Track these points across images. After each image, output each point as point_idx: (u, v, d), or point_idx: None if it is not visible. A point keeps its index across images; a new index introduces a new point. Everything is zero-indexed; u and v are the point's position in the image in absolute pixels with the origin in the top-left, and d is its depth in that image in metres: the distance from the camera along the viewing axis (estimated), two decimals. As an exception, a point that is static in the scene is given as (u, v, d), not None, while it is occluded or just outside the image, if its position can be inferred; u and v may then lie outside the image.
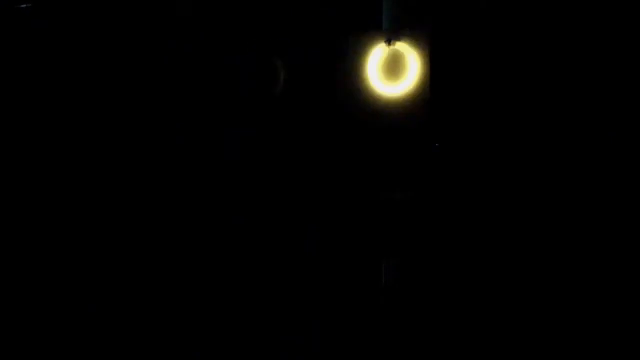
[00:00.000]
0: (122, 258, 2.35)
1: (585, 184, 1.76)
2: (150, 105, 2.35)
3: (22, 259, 2.51)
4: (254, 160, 2.13)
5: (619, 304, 1.71)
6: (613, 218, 1.74)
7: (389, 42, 1.88)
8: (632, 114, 1.75)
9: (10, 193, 2.55)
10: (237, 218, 2.15)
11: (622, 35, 1.74)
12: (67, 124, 2.47)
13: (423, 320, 1.90)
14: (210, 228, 2.22)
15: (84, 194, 2.43)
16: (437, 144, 1.82)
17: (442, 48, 1.89)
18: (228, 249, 2.17)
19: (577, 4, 1.78)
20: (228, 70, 2.19)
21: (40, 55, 2.53)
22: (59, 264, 2.44)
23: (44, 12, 2.54)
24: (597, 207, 1.74)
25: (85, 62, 2.47)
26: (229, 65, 2.19)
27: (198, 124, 2.26)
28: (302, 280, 2.06)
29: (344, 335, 1.99)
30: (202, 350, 2.20)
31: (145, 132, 2.35)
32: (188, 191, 2.28)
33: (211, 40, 2.24)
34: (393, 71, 1.90)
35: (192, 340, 2.22)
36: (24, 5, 2.54)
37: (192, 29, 2.29)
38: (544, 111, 1.80)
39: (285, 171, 2.09)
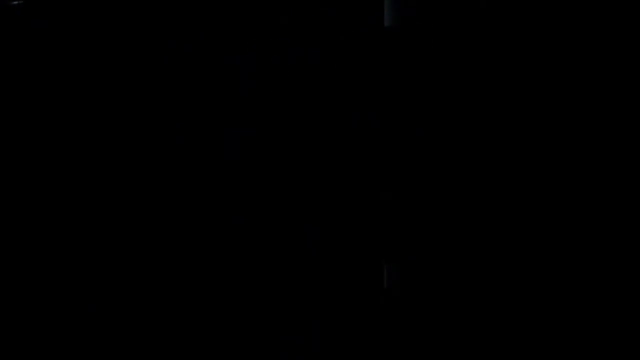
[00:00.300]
0: (122, 257, 2.35)
1: (586, 184, 1.76)
2: (149, 105, 2.34)
3: (22, 258, 2.50)
4: (254, 161, 2.13)
5: (619, 304, 1.71)
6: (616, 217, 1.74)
7: None
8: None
9: (8, 194, 2.54)
10: (237, 218, 2.14)
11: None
12: (65, 124, 2.46)
13: (424, 321, 1.90)
14: (210, 228, 2.22)
15: (82, 194, 2.43)
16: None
17: (443, 45, 1.88)
18: (228, 248, 2.17)
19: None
20: (228, 70, 2.18)
21: (36, 53, 2.52)
22: (58, 263, 2.44)
23: (39, 9, 2.53)
24: (604, 210, 1.73)
25: (82, 60, 2.46)
26: (229, 65, 2.19)
27: (198, 124, 2.26)
28: (302, 279, 2.06)
29: (345, 336, 1.99)
30: (202, 349, 2.20)
31: (144, 131, 2.35)
32: (188, 191, 2.27)
33: (211, 40, 2.24)
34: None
35: (192, 339, 2.22)
36: (16, 2, 2.53)
37: (192, 28, 2.28)
38: (545, 111, 1.80)
39: (286, 171, 2.08)
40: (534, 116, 1.81)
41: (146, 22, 2.35)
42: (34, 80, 2.52)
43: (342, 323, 1.99)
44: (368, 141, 1.97)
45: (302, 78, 2.07)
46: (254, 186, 2.13)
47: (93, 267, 2.38)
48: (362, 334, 1.96)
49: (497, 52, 1.85)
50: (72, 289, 2.41)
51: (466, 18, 1.88)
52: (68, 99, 2.46)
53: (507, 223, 1.83)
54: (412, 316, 1.91)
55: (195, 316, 2.21)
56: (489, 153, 1.84)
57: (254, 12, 2.18)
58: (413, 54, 1.91)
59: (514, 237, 1.82)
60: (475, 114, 1.84)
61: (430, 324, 1.89)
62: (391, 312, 1.93)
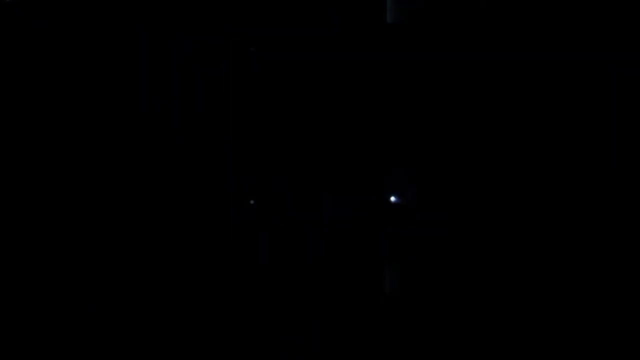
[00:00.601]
0: (121, 257, 2.35)
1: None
2: (149, 105, 2.34)
3: (22, 258, 2.50)
4: (255, 161, 2.13)
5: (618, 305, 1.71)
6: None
7: None
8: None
9: (8, 194, 2.54)
10: (237, 217, 2.14)
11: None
12: (65, 123, 2.46)
13: (425, 324, 1.90)
14: (210, 227, 2.22)
15: (82, 194, 2.43)
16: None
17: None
18: (228, 248, 2.16)
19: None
20: (226, 68, 2.18)
21: (36, 52, 2.52)
22: (58, 263, 2.44)
23: (35, 8, 2.53)
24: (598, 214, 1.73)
25: (82, 60, 2.46)
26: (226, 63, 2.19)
27: (198, 124, 2.25)
28: (303, 280, 2.06)
29: (345, 337, 1.99)
30: (202, 349, 2.20)
31: (144, 131, 2.35)
32: (187, 190, 2.27)
33: (210, 38, 2.24)
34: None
35: (192, 339, 2.22)
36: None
37: (191, 29, 2.28)
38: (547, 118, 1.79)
39: (287, 171, 2.08)
40: (536, 118, 1.81)
41: (147, 22, 2.36)
42: (33, 80, 2.52)
43: (342, 322, 1.99)
44: (367, 142, 1.97)
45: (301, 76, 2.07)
46: (255, 186, 2.13)
47: (93, 267, 2.38)
48: (362, 333, 1.96)
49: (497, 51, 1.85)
50: (72, 289, 2.40)
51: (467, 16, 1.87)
52: (68, 98, 2.46)
53: (514, 227, 1.82)
54: (412, 318, 1.91)
55: (195, 316, 2.21)
56: (492, 154, 1.84)
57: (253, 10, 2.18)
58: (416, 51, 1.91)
59: (522, 241, 1.81)
60: (477, 115, 1.84)
61: (431, 325, 1.89)
62: (391, 313, 1.93)
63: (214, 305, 2.19)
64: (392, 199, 1.83)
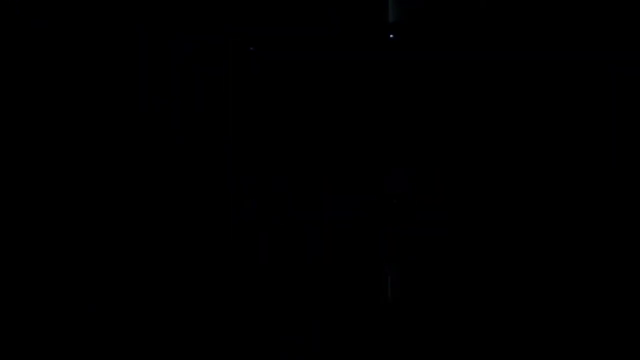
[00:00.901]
0: (121, 257, 2.35)
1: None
2: (149, 105, 2.34)
3: (22, 258, 2.50)
4: (255, 161, 2.13)
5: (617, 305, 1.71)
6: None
7: None
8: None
9: (8, 194, 2.54)
10: (238, 218, 2.14)
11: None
12: (65, 123, 2.47)
13: (425, 323, 1.90)
14: (210, 227, 2.22)
15: (82, 194, 2.43)
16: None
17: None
18: (229, 250, 2.16)
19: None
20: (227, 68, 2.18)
21: (36, 52, 2.53)
22: (58, 263, 2.44)
23: (35, 8, 2.53)
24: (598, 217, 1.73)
25: (82, 60, 2.46)
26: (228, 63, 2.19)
27: (198, 124, 2.26)
28: (303, 280, 2.06)
29: (345, 337, 1.99)
30: (202, 349, 2.20)
31: (144, 131, 2.35)
32: (187, 190, 2.27)
33: (210, 38, 2.24)
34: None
35: (192, 339, 2.22)
36: None
37: (191, 29, 2.28)
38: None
39: (289, 172, 2.08)
40: (536, 118, 1.81)
41: (148, 22, 2.36)
42: (33, 79, 2.52)
43: (343, 323, 1.99)
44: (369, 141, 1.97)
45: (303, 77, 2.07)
46: (256, 187, 2.13)
47: (93, 267, 2.38)
48: (361, 333, 1.96)
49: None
50: (72, 289, 2.41)
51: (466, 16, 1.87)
52: (68, 98, 2.46)
53: (519, 229, 1.82)
54: (412, 317, 1.91)
55: (195, 316, 2.21)
56: (492, 154, 1.84)
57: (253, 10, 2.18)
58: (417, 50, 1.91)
59: (516, 240, 1.81)
60: (477, 114, 1.84)
61: (431, 324, 1.89)
62: (391, 312, 1.93)
63: (214, 305, 2.19)
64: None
